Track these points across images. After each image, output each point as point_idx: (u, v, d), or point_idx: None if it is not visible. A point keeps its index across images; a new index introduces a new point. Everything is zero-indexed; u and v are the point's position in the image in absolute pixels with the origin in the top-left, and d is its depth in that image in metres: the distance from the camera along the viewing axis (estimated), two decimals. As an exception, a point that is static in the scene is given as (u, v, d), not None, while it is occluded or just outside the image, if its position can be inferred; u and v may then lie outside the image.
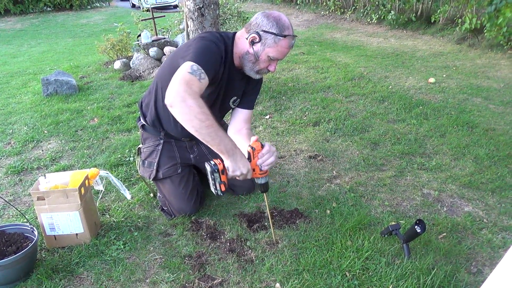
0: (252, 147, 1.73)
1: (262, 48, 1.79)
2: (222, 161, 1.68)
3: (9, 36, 10.71)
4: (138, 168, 2.29)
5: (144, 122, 2.19)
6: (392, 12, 7.85)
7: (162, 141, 2.17)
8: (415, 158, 2.76)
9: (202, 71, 1.64)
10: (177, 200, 2.14)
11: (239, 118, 2.10)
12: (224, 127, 2.23)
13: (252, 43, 1.81)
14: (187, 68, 1.62)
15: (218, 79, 1.89)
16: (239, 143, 1.87)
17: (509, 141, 2.93)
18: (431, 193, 2.35)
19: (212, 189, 1.72)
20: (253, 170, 1.75)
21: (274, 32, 1.74)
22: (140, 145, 2.28)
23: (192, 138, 2.17)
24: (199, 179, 2.42)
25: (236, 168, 1.66)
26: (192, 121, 1.55)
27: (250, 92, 2.11)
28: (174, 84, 1.57)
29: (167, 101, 1.57)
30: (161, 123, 2.12)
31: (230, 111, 2.18)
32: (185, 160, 2.22)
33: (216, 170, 1.67)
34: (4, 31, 11.59)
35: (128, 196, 2.29)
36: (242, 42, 1.86)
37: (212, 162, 1.67)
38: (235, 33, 1.93)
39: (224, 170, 1.68)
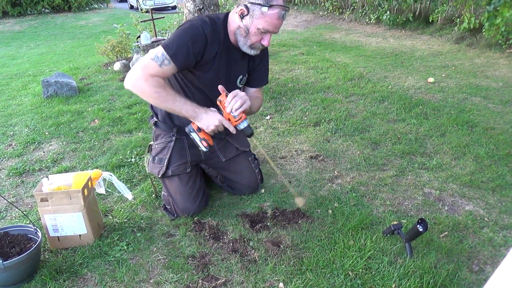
0: (219, 100, 1.88)
1: (251, 21, 1.80)
2: None
3: (8, 38, 10.70)
4: (146, 165, 2.29)
5: (156, 119, 2.20)
6: (388, 12, 7.86)
7: (174, 137, 2.17)
8: (415, 157, 2.77)
9: (167, 57, 1.76)
10: (183, 198, 2.15)
11: (251, 97, 2.03)
12: (241, 137, 2.32)
13: (242, 16, 1.81)
14: (151, 54, 1.78)
15: (210, 61, 1.90)
16: None
17: (508, 140, 2.95)
18: (432, 192, 2.37)
19: (200, 149, 1.93)
20: (229, 120, 1.85)
21: (260, 2, 1.74)
22: (151, 142, 2.30)
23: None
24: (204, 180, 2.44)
25: (206, 124, 1.83)
26: (149, 99, 1.83)
27: (257, 68, 2.11)
28: (133, 68, 1.79)
29: (125, 84, 1.80)
30: (171, 118, 2.14)
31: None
32: (196, 157, 2.21)
33: (192, 130, 1.89)
34: (3, 33, 11.59)
35: (130, 197, 2.29)
36: (233, 18, 1.89)
37: (189, 125, 1.90)
38: (228, 12, 1.94)
39: (200, 129, 1.88)
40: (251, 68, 2.10)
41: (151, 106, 2.22)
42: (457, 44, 6.34)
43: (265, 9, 1.74)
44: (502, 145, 2.87)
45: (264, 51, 2.09)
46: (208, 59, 1.89)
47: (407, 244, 1.82)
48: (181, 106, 1.81)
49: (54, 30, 11.82)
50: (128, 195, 2.27)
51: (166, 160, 2.15)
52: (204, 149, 1.92)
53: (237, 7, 1.84)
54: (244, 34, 1.85)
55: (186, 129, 1.91)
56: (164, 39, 5.71)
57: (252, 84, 2.17)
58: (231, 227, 2.09)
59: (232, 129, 1.85)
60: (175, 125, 2.14)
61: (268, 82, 2.24)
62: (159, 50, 1.77)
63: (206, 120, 1.82)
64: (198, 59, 1.84)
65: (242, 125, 1.85)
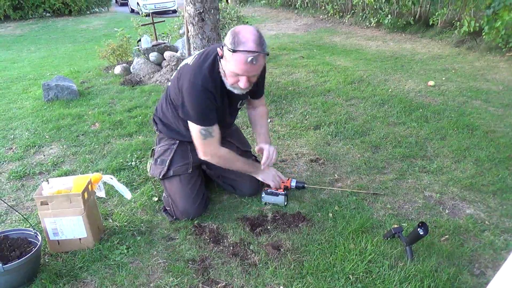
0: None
1: (225, 63, 1.83)
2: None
3: (9, 42, 10.72)
4: (148, 169, 2.34)
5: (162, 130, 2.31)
6: (390, 16, 7.87)
7: (177, 141, 2.23)
8: (416, 161, 2.77)
9: (208, 128, 1.97)
10: (183, 200, 2.15)
11: (250, 106, 2.35)
12: (235, 128, 2.52)
13: (220, 57, 1.85)
14: (198, 135, 1.99)
15: (220, 104, 2.01)
16: (251, 121, 2.38)
17: (509, 143, 2.94)
18: (432, 195, 2.36)
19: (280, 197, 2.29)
20: (283, 182, 2.33)
21: (228, 46, 1.75)
22: (154, 147, 2.35)
23: None
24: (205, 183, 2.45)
25: (271, 179, 2.24)
26: (224, 165, 2.15)
27: (258, 84, 2.13)
28: (202, 151, 2.06)
29: (206, 159, 2.09)
30: (176, 131, 2.25)
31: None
32: (198, 160, 2.23)
33: (265, 194, 2.30)
34: (4, 36, 11.61)
35: (128, 196, 2.29)
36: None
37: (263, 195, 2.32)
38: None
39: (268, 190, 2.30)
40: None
41: (159, 120, 2.28)
42: (457, 47, 6.35)
43: (231, 53, 1.74)
44: (502, 148, 2.87)
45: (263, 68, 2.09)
46: (219, 103, 2.00)
47: (407, 248, 1.82)
48: (246, 166, 2.22)
49: (55, 33, 11.84)
50: (127, 194, 2.27)
51: (168, 160, 2.19)
52: (284, 197, 2.27)
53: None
54: (223, 75, 1.89)
55: (263, 200, 2.31)
56: (164, 43, 5.74)
57: (256, 96, 2.26)
58: (232, 231, 2.08)
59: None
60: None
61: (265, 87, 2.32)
62: (199, 128, 1.97)
63: (266, 175, 2.25)
64: (216, 109, 1.99)
65: (293, 183, 2.35)
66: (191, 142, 2.20)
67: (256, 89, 2.16)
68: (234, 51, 1.72)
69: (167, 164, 2.19)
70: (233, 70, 1.79)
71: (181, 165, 2.20)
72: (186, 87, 1.92)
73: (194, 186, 2.19)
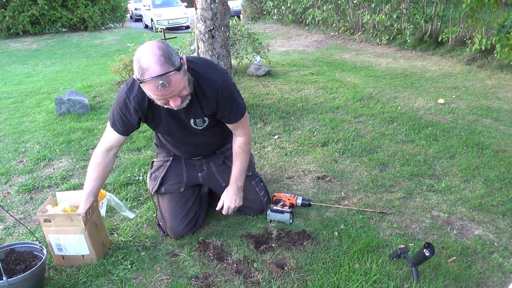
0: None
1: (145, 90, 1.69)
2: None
3: (25, 56, 10.97)
4: (148, 181, 2.36)
5: (157, 143, 2.33)
6: (408, 31, 7.80)
7: (171, 158, 2.25)
8: (424, 179, 2.74)
9: (112, 130, 1.96)
10: (171, 218, 2.16)
11: (233, 133, 2.15)
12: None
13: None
14: (107, 125, 1.99)
15: (150, 118, 1.96)
16: (233, 161, 2.17)
17: (520, 163, 2.90)
18: (440, 215, 2.33)
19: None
20: (289, 200, 2.43)
21: (136, 76, 1.60)
22: (154, 160, 2.38)
23: (202, 157, 2.22)
24: (207, 198, 2.44)
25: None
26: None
27: (219, 110, 1.96)
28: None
29: None
30: (165, 145, 2.26)
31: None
32: (193, 179, 2.25)
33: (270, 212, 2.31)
34: (21, 51, 11.89)
35: (131, 216, 2.30)
36: None
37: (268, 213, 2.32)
38: None
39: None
40: (213, 111, 1.96)
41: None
42: (468, 65, 6.32)
43: (141, 84, 1.63)
44: (513, 168, 2.83)
45: (219, 91, 1.90)
46: (147, 117, 1.94)
47: (413, 269, 1.79)
48: (84, 188, 1.99)
49: (70, 48, 12.09)
50: (130, 214, 2.28)
51: (160, 178, 2.21)
52: (290, 215, 2.26)
53: None
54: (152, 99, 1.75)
55: (268, 218, 2.31)
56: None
57: (228, 122, 2.07)
58: (236, 248, 2.08)
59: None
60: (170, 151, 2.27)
61: (244, 114, 2.05)
62: (109, 123, 1.97)
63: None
64: (135, 121, 1.92)
65: (299, 201, 2.41)
66: (185, 158, 2.22)
67: (222, 113, 1.97)
68: (141, 81, 1.58)
69: (159, 181, 2.21)
70: (153, 97, 1.67)
71: (173, 184, 2.22)
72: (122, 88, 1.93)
73: (184, 205, 2.19)
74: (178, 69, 1.59)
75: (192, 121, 1.98)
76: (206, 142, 2.18)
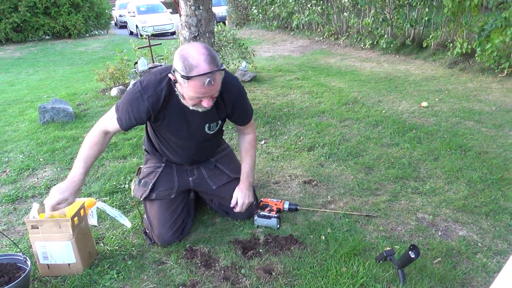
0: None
1: (181, 88, 1.76)
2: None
3: (8, 64, 10.81)
4: (132, 188, 2.32)
5: (148, 149, 2.30)
6: (386, 36, 7.96)
7: (163, 164, 2.24)
8: (409, 182, 2.78)
9: (114, 118, 1.93)
10: (160, 224, 2.14)
11: (239, 130, 2.29)
12: (224, 146, 2.46)
13: (175, 82, 1.78)
14: (108, 112, 1.97)
15: (160, 118, 1.96)
16: (240, 150, 2.28)
17: (501, 164, 2.96)
18: (425, 217, 2.36)
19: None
20: (276, 204, 2.40)
21: (180, 73, 1.66)
22: (141, 166, 2.36)
23: (193, 162, 2.22)
24: (195, 204, 2.43)
25: (53, 189, 1.87)
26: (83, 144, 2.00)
27: (233, 113, 2.09)
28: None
29: None
30: (160, 153, 2.24)
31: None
32: (183, 184, 2.24)
33: (257, 217, 2.31)
34: (3, 59, 11.71)
35: (128, 224, 2.28)
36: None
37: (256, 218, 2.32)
38: None
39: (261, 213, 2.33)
40: (228, 114, 2.08)
41: (145, 135, 2.28)
42: (450, 68, 6.43)
43: (186, 80, 1.66)
44: (495, 169, 2.88)
45: (236, 95, 2.03)
46: (158, 117, 1.95)
47: (399, 271, 1.81)
48: (74, 165, 1.95)
49: (53, 56, 11.96)
50: (127, 223, 2.26)
51: (152, 184, 2.19)
52: (277, 220, 2.27)
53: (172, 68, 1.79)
54: (182, 98, 1.82)
55: (256, 223, 2.30)
56: (161, 65, 5.80)
57: (240, 124, 2.22)
58: (223, 254, 2.07)
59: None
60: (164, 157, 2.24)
61: (252, 115, 2.23)
62: (113, 108, 1.95)
63: (57, 188, 1.86)
64: (142, 120, 1.94)
65: (286, 206, 2.40)
66: (177, 164, 2.22)
67: (237, 115, 2.12)
68: (188, 77, 1.64)
69: (149, 187, 2.19)
70: (192, 95, 1.72)
71: (164, 190, 2.20)
72: (133, 85, 1.93)
73: (174, 212, 2.18)
74: (222, 69, 1.71)
75: (207, 126, 2.06)
76: (209, 146, 2.26)
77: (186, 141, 2.12)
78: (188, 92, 1.72)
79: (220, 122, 2.11)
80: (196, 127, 2.05)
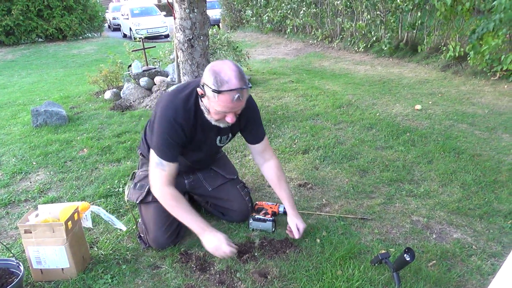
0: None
1: (208, 102, 1.80)
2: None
3: (0, 67, 10.73)
4: (126, 192, 2.30)
5: (142, 153, 2.28)
6: (386, 39, 7.98)
7: None
8: (403, 185, 2.79)
9: (162, 161, 1.92)
10: (155, 227, 2.13)
11: (255, 153, 2.26)
12: (221, 156, 2.49)
13: (201, 96, 1.83)
14: (153, 162, 1.95)
15: (191, 138, 1.99)
16: (268, 178, 2.27)
17: (495, 167, 2.98)
18: (420, 220, 2.37)
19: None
20: (271, 208, 2.38)
21: (211, 87, 1.71)
22: (136, 170, 2.34)
23: (192, 170, 2.28)
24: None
25: (209, 245, 1.91)
26: (165, 206, 1.96)
27: (248, 127, 2.14)
28: (150, 178, 1.99)
29: (151, 191, 2.00)
30: None
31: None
32: (179, 187, 2.21)
33: (252, 220, 2.29)
34: (-5, 62, 11.64)
35: (123, 228, 2.26)
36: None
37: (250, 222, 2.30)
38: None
39: (257, 217, 2.29)
40: (241, 128, 2.14)
41: (145, 140, 2.24)
42: (443, 71, 6.48)
43: (216, 94, 1.71)
44: (488, 172, 2.90)
45: (251, 110, 2.08)
46: (189, 140, 1.99)
47: (395, 274, 1.81)
48: (190, 222, 1.94)
49: (46, 59, 11.88)
50: (122, 226, 2.24)
51: (148, 186, 2.15)
52: (272, 223, 2.25)
53: (200, 82, 1.83)
54: (207, 112, 1.87)
55: (251, 227, 2.29)
56: (155, 68, 5.79)
57: (252, 141, 2.21)
58: (218, 258, 2.06)
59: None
60: None
61: (265, 135, 2.25)
62: (155, 155, 1.93)
63: (211, 241, 1.91)
64: (184, 143, 1.97)
65: (281, 209, 2.36)
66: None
67: (249, 130, 2.15)
68: (219, 92, 1.69)
69: (146, 190, 2.17)
70: (220, 110, 1.77)
71: None
72: (158, 115, 1.91)
73: (169, 215, 2.15)
74: (250, 87, 1.77)
75: (219, 138, 2.11)
76: (214, 158, 2.34)
77: (195, 153, 2.14)
78: (215, 106, 1.77)
79: (230, 135, 2.16)
80: (210, 140, 2.09)
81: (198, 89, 1.82)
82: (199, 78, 2.01)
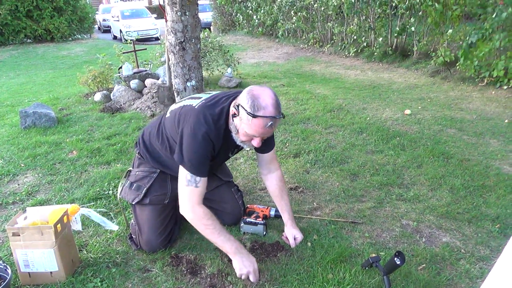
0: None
1: (239, 123, 1.80)
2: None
3: (-13, 68, 10.60)
4: (119, 190, 2.25)
5: (141, 154, 2.22)
6: (375, 46, 8.06)
7: (158, 170, 2.18)
8: (393, 189, 2.81)
9: (196, 178, 1.87)
10: (150, 230, 2.11)
11: (262, 162, 2.25)
12: (224, 169, 2.47)
13: (234, 115, 1.83)
14: (184, 180, 1.89)
15: (215, 155, 1.98)
16: (270, 189, 2.25)
17: (483, 171, 3.02)
18: (409, 223, 2.39)
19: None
20: (262, 211, 2.40)
21: (246, 110, 1.72)
22: (131, 168, 2.27)
23: None
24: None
25: (240, 266, 1.87)
26: (197, 227, 1.91)
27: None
28: (180, 198, 1.92)
29: (181, 212, 1.93)
30: (161, 166, 2.19)
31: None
32: (176, 189, 2.20)
33: (244, 223, 2.30)
34: (-18, 62, 11.48)
35: (115, 228, 2.24)
36: (231, 112, 1.89)
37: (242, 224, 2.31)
38: (234, 99, 1.90)
39: (248, 219, 2.31)
40: None
41: (145, 143, 2.20)
42: (432, 77, 6.56)
43: (250, 117, 1.72)
44: (476, 176, 2.94)
45: None
46: (215, 153, 1.98)
47: (385, 278, 1.81)
48: (224, 242, 1.89)
49: (35, 60, 11.77)
50: (113, 226, 2.21)
51: (146, 188, 2.13)
52: (263, 227, 2.27)
53: (235, 102, 1.84)
54: (235, 132, 1.86)
55: (242, 230, 2.30)
56: (146, 71, 5.76)
57: (262, 150, 2.19)
58: (209, 261, 2.05)
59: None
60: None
61: (274, 144, 2.26)
62: (186, 173, 1.87)
63: (242, 264, 1.87)
64: (211, 157, 1.96)
65: (272, 212, 2.41)
66: (171, 171, 2.18)
67: (265, 141, 2.07)
68: (254, 116, 1.71)
69: (143, 191, 2.13)
70: (250, 132, 1.78)
71: (159, 195, 2.15)
72: (187, 132, 1.85)
73: (165, 219, 2.16)
74: (283, 117, 1.80)
75: (232, 150, 2.12)
76: (219, 165, 2.35)
77: (215, 165, 2.15)
78: (246, 129, 1.78)
79: (241, 147, 2.12)
80: (225, 153, 2.09)
81: (232, 109, 1.84)
82: (224, 92, 2.00)
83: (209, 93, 2.05)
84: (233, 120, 1.84)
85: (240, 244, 1.93)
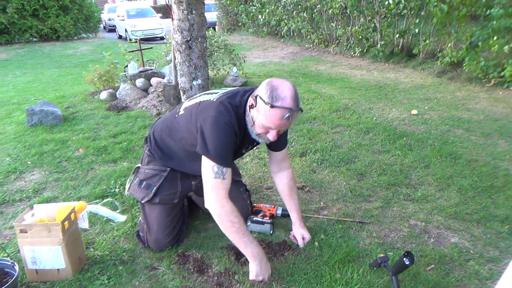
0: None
1: (256, 114, 1.77)
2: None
3: (-6, 66, 10.65)
4: (127, 186, 2.22)
5: (151, 152, 2.18)
6: (382, 42, 8.01)
7: (169, 169, 2.14)
8: (401, 189, 2.79)
9: (223, 169, 1.81)
10: (159, 229, 2.11)
11: (273, 160, 2.22)
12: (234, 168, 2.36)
13: (251, 107, 1.80)
14: (210, 173, 1.80)
15: (237, 148, 1.95)
16: (279, 187, 2.24)
17: (491, 172, 2.99)
18: (417, 224, 2.37)
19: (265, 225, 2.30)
20: (269, 210, 2.41)
21: (264, 100, 1.70)
22: (140, 165, 2.23)
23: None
24: (188, 210, 2.41)
25: (256, 271, 1.83)
26: (222, 224, 1.83)
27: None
28: (207, 191, 1.83)
29: (207, 206, 1.85)
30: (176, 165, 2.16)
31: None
32: (186, 189, 2.19)
33: (251, 222, 2.30)
34: (-11, 60, 11.54)
35: (122, 218, 2.23)
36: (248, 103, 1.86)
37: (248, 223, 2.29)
38: (252, 93, 1.86)
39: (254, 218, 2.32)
40: None
41: (156, 141, 2.17)
42: (438, 77, 6.51)
43: (267, 107, 1.69)
44: (485, 177, 2.91)
45: None
46: (237, 145, 1.94)
47: (393, 278, 1.80)
48: (247, 244, 1.83)
49: (41, 58, 11.81)
50: (120, 218, 2.21)
51: (156, 187, 2.10)
52: (270, 226, 2.27)
53: (253, 94, 1.81)
54: (251, 124, 1.83)
55: (248, 229, 2.16)
56: (151, 69, 5.76)
57: (275, 148, 2.17)
58: (216, 260, 2.05)
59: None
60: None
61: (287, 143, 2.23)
62: (212, 164, 1.80)
63: (260, 270, 1.83)
64: (233, 154, 1.93)
65: (279, 211, 2.40)
66: (182, 171, 2.16)
67: (278, 139, 2.02)
68: (272, 106, 1.68)
69: (153, 191, 2.09)
70: (266, 124, 1.74)
71: (168, 194, 2.13)
72: (210, 122, 1.80)
73: (174, 218, 2.15)
74: (300, 110, 1.75)
75: (246, 146, 2.08)
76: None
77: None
78: (262, 120, 1.75)
79: (255, 143, 2.08)
80: (239, 149, 2.04)
81: (250, 99, 1.80)
82: (240, 88, 1.97)
83: (226, 89, 2.01)
84: (250, 112, 1.82)
85: (262, 249, 1.88)
